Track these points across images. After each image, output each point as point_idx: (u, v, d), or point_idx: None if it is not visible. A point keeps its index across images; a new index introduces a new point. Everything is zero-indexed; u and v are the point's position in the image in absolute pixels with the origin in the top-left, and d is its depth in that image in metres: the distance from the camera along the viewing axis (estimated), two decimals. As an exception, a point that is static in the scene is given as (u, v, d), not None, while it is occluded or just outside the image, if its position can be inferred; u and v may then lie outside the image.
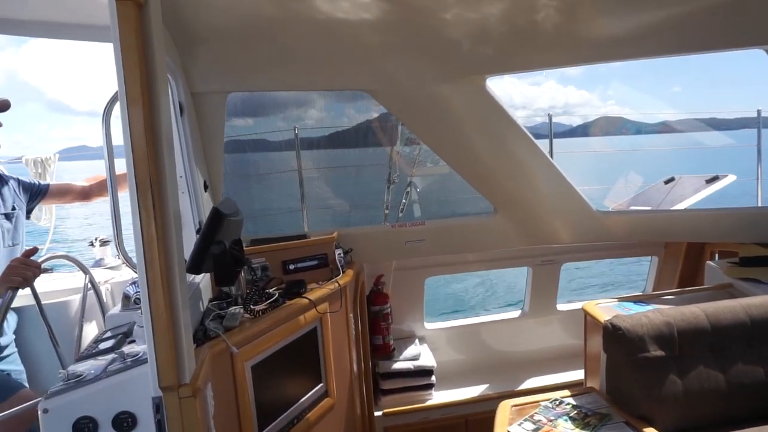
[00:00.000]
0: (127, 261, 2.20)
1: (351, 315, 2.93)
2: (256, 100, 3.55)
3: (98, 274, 3.03)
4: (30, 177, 2.60)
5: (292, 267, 2.76)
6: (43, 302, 2.76)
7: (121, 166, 1.77)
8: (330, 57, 2.47)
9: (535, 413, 2.38)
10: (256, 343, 2.16)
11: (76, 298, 2.80)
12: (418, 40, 2.43)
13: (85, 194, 2.86)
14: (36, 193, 2.61)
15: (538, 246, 3.67)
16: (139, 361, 1.75)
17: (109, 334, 2.24)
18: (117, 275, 3.20)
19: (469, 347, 4.12)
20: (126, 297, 2.37)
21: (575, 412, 2.36)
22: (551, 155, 3.83)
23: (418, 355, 3.79)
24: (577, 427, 2.24)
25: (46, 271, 3.47)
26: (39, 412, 1.63)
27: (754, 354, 2.33)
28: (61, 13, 1.68)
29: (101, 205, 2.93)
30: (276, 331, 2.29)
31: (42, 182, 2.65)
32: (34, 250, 2.31)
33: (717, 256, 3.77)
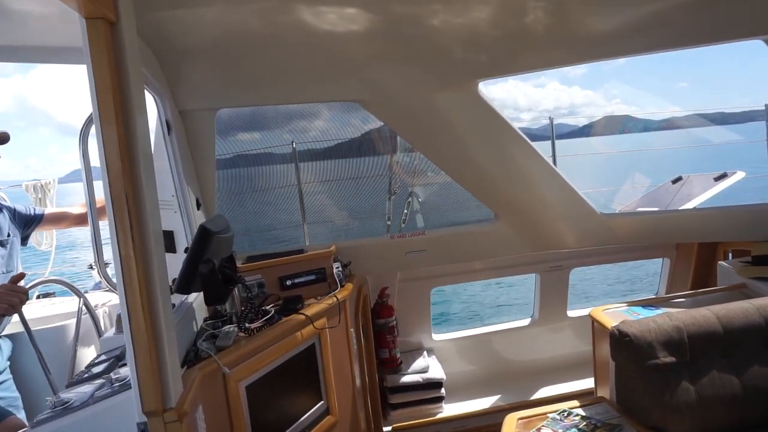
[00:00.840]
0: (109, 283, 2.16)
1: (352, 329, 2.86)
2: (261, 114, 3.55)
3: (98, 297, 3.01)
4: (26, 205, 2.59)
5: (289, 283, 2.71)
6: (40, 327, 2.75)
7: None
8: (319, 69, 2.44)
9: (543, 426, 2.29)
10: (250, 362, 2.11)
11: (74, 322, 2.77)
12: (407, 49, 2.40)
13: (81, 219, 2.84)
14: (31, 221, 2.60)
15: (545, 252, 3.59)
16: (126, 385, 1.71)
17: (103, 357, 2.20)
18: (116, 297, 3.17)
19: (479, 358, 4.03)
20: (120, 319, 2.35)
21: (584, 423, 2.27)
22: (554, 158, 3.77)
23: (426, 367, 3.72)
24: (586, 440, 2.15)
25: (47, 295, 3.47)
26: None
27: (770, 357, 2.23)
28: (33, 36, 1.67)
29: (102, 228, 2.93)
30: (272, 348, 2.24)
31: (37, 210, 2.64)
32: (21, 276, 2.30)
33: (730, 255, 3.66)
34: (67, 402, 1.73)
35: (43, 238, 3.75)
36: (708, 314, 2.28)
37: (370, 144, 3.99)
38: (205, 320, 2.39)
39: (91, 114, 1.55)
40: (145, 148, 1.53)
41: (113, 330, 2.31)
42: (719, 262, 3.25)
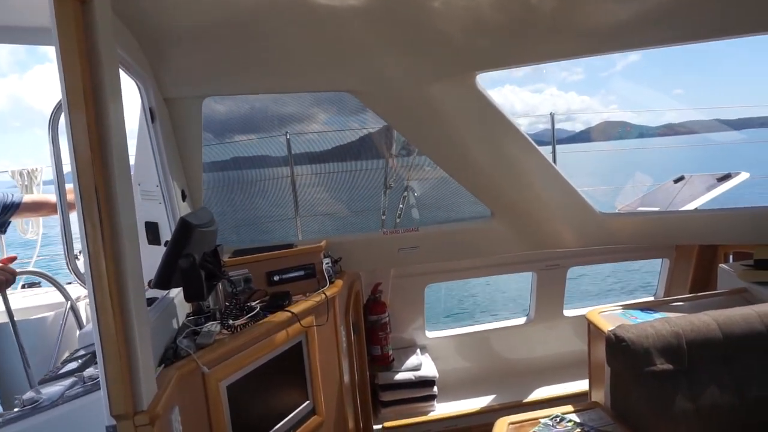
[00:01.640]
0: (78, 277, 2.08)
1: (341, 327, 2.79)
2: (258, 116, 3.47)
3: (81, 289, 2.93)
4: (4, 191, 2.51)
5: (276, 278, 2.63)
6: (24, 318, 2.67)
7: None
8: (310, 57, 2.34)
9: (534, 432, 2.22)
10: (232, 361, 2.03)
11: (59, 314, 2.69)
12: (402, 36, 2.29)
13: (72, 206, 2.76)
14: (8, 208, 2.52)
15: (542, 251, 3.51)
16: (98, 384, 1.64)
17: (81, 352, 2.13)
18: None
19: (473, 356, 3.97)
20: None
21: (578, 430, 2.20)
22: (554, 156, 3.68)
23: (419, 365, 3.66)
24: (578, 448, 2.08)
25: (33, 285, 3.39)
26: None
27: (772, 366, 2.15)
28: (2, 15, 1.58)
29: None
30: (256, 347, 2.16)
31: (15, 196, 2.56)
32: (12, 258, 2.24)
33: (731, 258, 3.58)
34: (36, 401, 1.65)
35: (29, 226, 3.67)
36: (708, 320, 2.20)
37: (367, 139, 3.92)
38: (187, 316, 2.32)
39: (59, 100, 1.46)
40: (119, 137, 1.44)
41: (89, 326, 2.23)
42: (720, 264, 3.17)
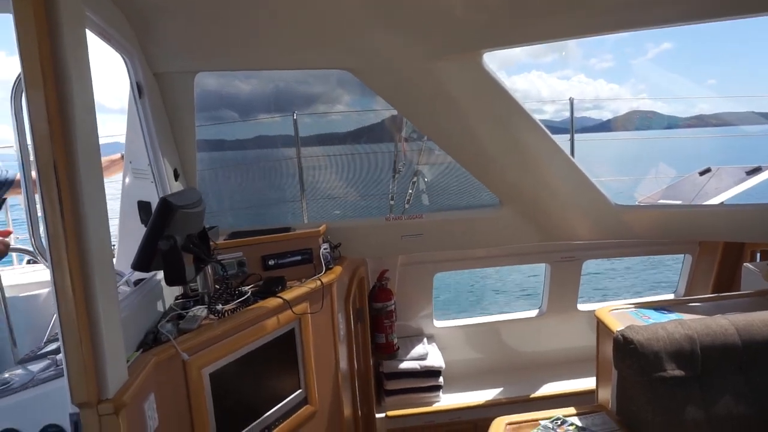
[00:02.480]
0: (43, 256, 2.00)
1: (339, 315, 2.70)
2: (283, 96, 3.37)
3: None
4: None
5: (272, 263, 2.55)
6: (18, 294, 2.65)
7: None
8: (307, 32, 2.21)
9: (532, 434, 2.10)
10: (216, 348, 1.96)
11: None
12: (402, 10, 2.14)
13: None
14: (1, 184, 2.48)
15: (557, 242, 3.36)
16: (70, 368, 1.57)
17: (66, 332, 2.08)
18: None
19: (482, 347, 3.87)
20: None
21: (578, 434, 2.08)
22: (572, 144, 3.50)
23: (425, 354, 3.58)
24: (578, 454, 1.96)
25: (29, 255, 3.36)
26: None
27: (794, 376, 1.98)
28: None
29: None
30: (243, 333, 2.08)
31: (9, 173, 2.52)
32: (8, 233, 2.21)
33: (758, 256, 3.37)
34: (7, 383, 1.60)
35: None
36: (726, 324, 2.04)
37: (376, 121, 3.79)
38: (176, 299, 2.25)
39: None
40: (84, 111, 1.35)
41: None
42: (745, 263, 2.97)
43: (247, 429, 2.11)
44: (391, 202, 3.90)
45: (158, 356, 1.72)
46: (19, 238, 2.89)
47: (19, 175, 2.45)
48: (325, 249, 2.67)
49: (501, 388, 3.59)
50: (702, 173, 3.77)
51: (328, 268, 2.64)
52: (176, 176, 2.35)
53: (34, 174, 1.43)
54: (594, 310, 3.74)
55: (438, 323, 3.86)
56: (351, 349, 2.97)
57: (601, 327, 2.44)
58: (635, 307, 2.52)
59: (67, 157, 1.30)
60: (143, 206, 2.37)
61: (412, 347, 3.63)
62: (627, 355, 2.01)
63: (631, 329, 2.06)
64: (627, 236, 3.21)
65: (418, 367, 3.52)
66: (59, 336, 1.35)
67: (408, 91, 2.47)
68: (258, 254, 2.53)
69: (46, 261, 2.04)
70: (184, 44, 2.18)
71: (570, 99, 3.60)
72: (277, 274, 2.52)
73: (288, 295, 2.32)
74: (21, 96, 1.67)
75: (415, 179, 3.86)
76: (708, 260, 3.62)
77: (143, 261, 1.76)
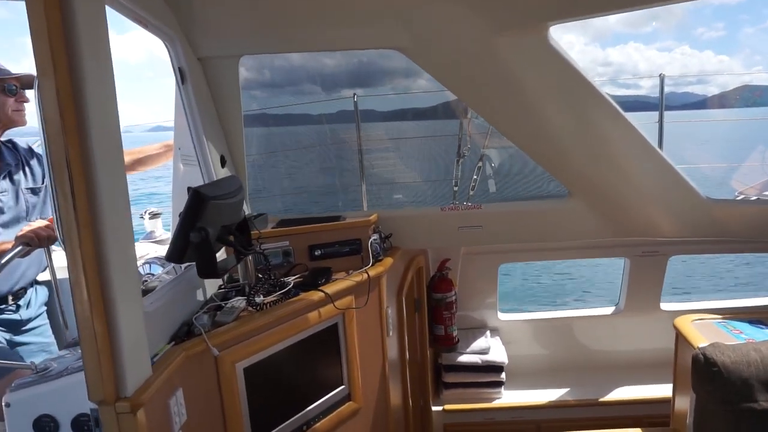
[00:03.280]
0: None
1: (389, 309, 2.58)
2: (365, 70, 3.30)
3: (142, 248, 2.98)
4: None
5: (318, 253, 2.47)
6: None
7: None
8: (354, 9, 2.06)
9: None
10: (251, 342, 1.91)
11: None
12: None
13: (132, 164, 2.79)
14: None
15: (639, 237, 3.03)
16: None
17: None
18: (161, 250, 3.14)
19: (549, 344, 3.63)
20: (137, 278, 2.25)
21: (644, 461, 1.83)
22: (661, 126, 3.11)
23: (487, 348, 3.41)
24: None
25: None
26: (3, 406, 1.52)
27: None
28: None
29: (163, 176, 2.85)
30: (282, 327, 2.02)
31: None
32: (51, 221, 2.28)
33: None
34: (47, 368, 1.63)
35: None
36: (837, 349, 1.70)
37: (441, 101, 3.60)
38: (219, 287, 2.23)
39: None
40: (102, 100, 1.29)
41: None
42: None
43: (284, 424, 2.07)
44: (455, 188, 3.71)
45: (188, 351, 1.68)
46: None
47: None
48: (374, 240, 2.55)
49: (568, 389, 3.35)
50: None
51: (377, 260, 2.53)
52: (223, 163, 2.31)
53: None
54: (679, 311, 3.42)
55: (503, 316, 3.66)
56: (403, 341, 2.85)
57: (680, 339, 2.15)
58: (724, 318, 2.19)
59: (81, 150, 1.26)
60: (192, 194, 2.36)
61: (474, 340, 3.48)
62: (708, 379, 1.73)
63: (715, 348, 1.77)
64: (720, 234, 2.82)
65: (479, 361, 3.36)
66: (78, 332, 1.33)
67: (465, 71, 2.26)
68: (305, 244, 2.46)
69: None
70: (227, 27, 2.11)
71: (660, 76, 3.19)
72: (323, 265, 2.44)
73: (332, 288, 2.23)
74: None
75: (480, 164, 3.64)
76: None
77: (176, 253, 1.73)
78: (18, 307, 2.38)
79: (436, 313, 3.34)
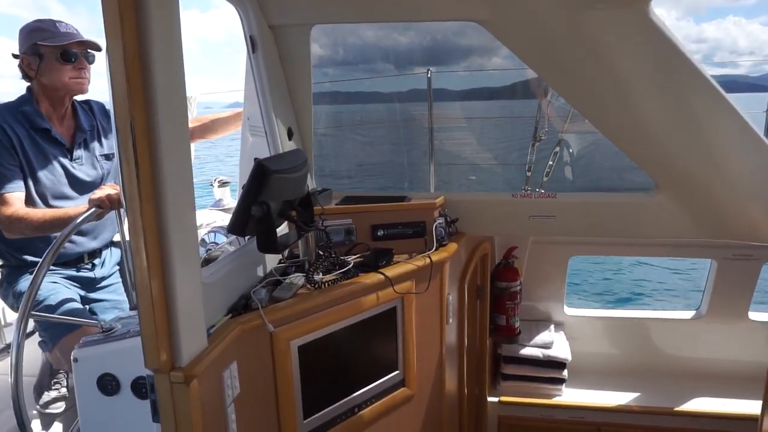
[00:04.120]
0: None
1: (450, 296, 2.48)
2: (439, 48, 3.21)
3: (209, 216, 3.04)
4: None
5: (381, 233, 2.39)
6: None
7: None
8: None
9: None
10: (307, 320, 1.88)
11: None
12: None
13: (201, 130, 2.83)
14: None
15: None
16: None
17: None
18: (228, 218, 3.18)
19: (619, 344, 3.43)
20: (202, 245, 2.28)
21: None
22: None
23: (550, 343, 3.27)
24: None
25: None
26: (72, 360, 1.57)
27: None
28: None
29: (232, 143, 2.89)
30: (339, 307, 1.98)
31: None
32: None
33: None
34: (112, 328, 1.67)
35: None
36: None
37: (518, 80, 3.41)
38: (280, 261, 2.22)
39: None
40: (170, 64, 1.26)
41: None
42: None
43: (335, 405, 2.04)
44: (528, 174, 3.54)
45: (244, 325, 1.67)
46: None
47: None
48: (439, 223, 2.44)
49: (637, 394, 3.16)
50: None
51: (441, 245, 2.43)
52: (290, 135, 2.28)
53: None
54: (770, 322, 3.12)
55: (570, 311, 3.49)
56: (462, 329, 2.76)
57: None
58: None
59: (146, 116, 1.23)
60: (259, 165, 2.35)
61: (537, 333, 3.35)
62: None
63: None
64: None
65: (541, 355, 3.23)
66: (137, 299, 1.34)
67: (549, 48, 2.07)
68: (368, 223, 2.39)
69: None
70: None
71: (770, 58, 2.84)
72: (385, 246, 2.37)
73: (392, 271, 2.16)
74: None
75: (557, 149, 3.44)
76: None
77: (237, 225, 1.71)
78: (93, 266, 2.48)
79: (498, 302, 3.23)
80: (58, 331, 2.22)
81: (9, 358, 1.73)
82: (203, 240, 2.27)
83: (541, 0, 1.93)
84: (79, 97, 2.40)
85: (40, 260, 1.75)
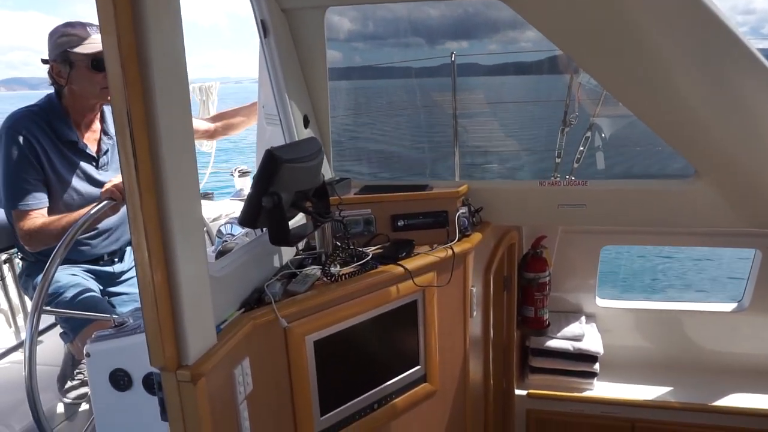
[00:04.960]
0: None
1: (473, 288, 2.39)
2: (471, 21, 3.10)
3: (230, 206, 3.01)
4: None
5: (401, 223, 2.31)
6: None
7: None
8: None
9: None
10: (323, 314, 1.81)
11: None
12: None
13: (210, 134, 2.81)
14: None
15: None
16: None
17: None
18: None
19: (654, 337, 3.29)
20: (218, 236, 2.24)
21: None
22: None
23: (581, 335, 3.15)
24: None
25: (206, 195, 3.64)
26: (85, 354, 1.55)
27: None
28: None
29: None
30: (357, 301, 1.91)
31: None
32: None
33: None
34: (124, 323, 1.64)
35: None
36: None
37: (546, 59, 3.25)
38: (296, 253, 2.16)
39: None
40: (166, 54, 1.20)
41: (211, 248, 2.21)
42: None
43: (354, 401, 1.98)
44: (557, 160, 3.39)
45: (256, 320, 1.62)
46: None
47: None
48: (462, 213, 2.34)
49: (671, 388, 3.03)
50: None
51: (464, 235, 2.33)
52: (306, 123, 2.20)
53: None
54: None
55: (602, 302, 3.36)
56: (488, 321, 2.67)
57: None
58: None
59: (144, 106, 1.18)
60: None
61: (566, 325, 3.23)
62: None
63: None
64: None
65: (571, 348, 3.12)
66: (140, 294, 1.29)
67: (577, 23, 1.92)
68: (388, 213, 2.31)
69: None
70: None
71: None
72: (406, 237, 2.28)
73: (412, 263, 2.08)
74: None
75: (588, 134, 3.27)
76: None
77: (248, 218, 1.66)
78: (113, 261, 2.48)
79: (526, 293, 3.12)
80: (78, 323, 2.21)
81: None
82: (219, 231, 2.22)
83: None
84: None
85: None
